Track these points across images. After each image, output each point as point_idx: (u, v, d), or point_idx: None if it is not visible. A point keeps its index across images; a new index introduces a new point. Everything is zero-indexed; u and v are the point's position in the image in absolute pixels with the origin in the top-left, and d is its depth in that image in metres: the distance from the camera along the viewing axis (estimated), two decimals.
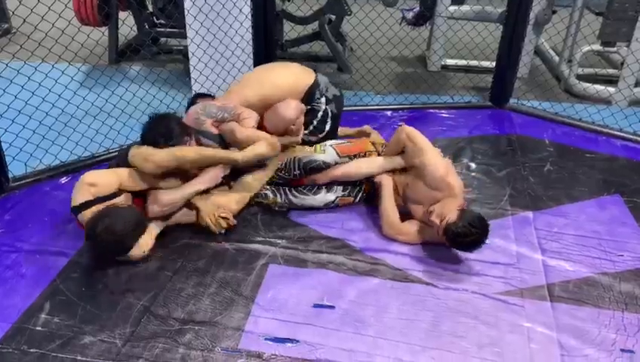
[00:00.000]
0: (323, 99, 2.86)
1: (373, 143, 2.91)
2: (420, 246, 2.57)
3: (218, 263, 2.42)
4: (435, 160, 2.60)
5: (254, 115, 2.74)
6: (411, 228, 2.61)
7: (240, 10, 3.53)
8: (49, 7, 2.93)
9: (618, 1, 4.10)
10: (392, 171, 2.78)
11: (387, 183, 2.72)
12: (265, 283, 2.32)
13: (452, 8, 4.66)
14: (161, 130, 2.54)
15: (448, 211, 2.41)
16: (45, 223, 2.68)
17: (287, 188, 2.80)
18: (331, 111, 2.89)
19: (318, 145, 2.82)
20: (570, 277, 2.42)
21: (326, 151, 2.76)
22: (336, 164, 2.76)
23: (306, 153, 2.77)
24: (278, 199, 2.78)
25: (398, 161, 2.76)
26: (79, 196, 2.36)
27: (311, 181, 2.79)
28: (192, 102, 2.89)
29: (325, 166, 2.73)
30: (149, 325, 2.09)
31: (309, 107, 2.84)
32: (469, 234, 2.35)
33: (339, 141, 2.90)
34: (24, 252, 2.48)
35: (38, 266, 2.39)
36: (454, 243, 2.42)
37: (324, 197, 2.79)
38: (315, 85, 2.84)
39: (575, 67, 4.45)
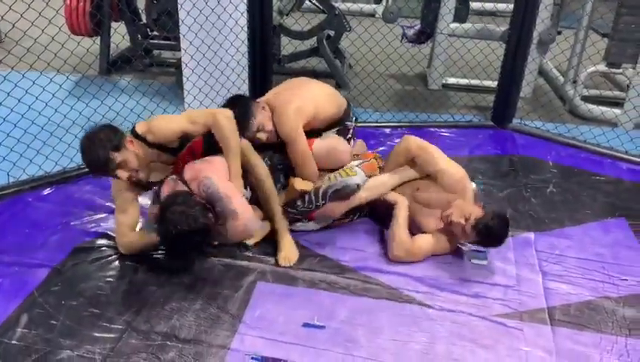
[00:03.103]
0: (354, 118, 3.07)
1: (375, 158, 2.95)
2: (416, 266, 2.58)
3: (205, 279, 2.43)
4: (450, 165, 2.76)
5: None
6: (424, 242, 2.61)
7: (236, 21, 3.60)
8: (39, 13, 2.98)
9: (624, 22, 4.20)
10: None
11: (403, 204, 2.69)
12: (253, 301, 2.33)
13: (454, 25, 4.75)
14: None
15: (469, 210, 2.51)
16: (26, 235, 2.69)
17: None
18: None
19: (346, 169, 2.73)
20: (571, 300, 2.43)
21: (357, 173, 2.70)
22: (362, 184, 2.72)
23: (336, 180, 2.66)
24: None
25: (412, 173, 2.82)
26: None
27: (329, 214, 2.72)
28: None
29: (358, 188, 2.68)
30: (130, 340, 2.09)
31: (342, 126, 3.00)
32: (500, 226, 2.48)
33: (356, 162, 2.85)
34: (2, 264, 2.48)
35: (16, 278, 2.39)
36: (486, 237, 2.50)
37: (320, 223, 2.80)
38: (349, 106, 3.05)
39: (580, 88, 4.52)
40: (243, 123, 2.63)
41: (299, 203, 2.66)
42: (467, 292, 2.45)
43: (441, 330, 2.22)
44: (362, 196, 2.73)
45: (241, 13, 3.60)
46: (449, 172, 2.71)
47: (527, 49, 3.96)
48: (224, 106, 2.75)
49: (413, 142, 2.80)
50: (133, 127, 2.55)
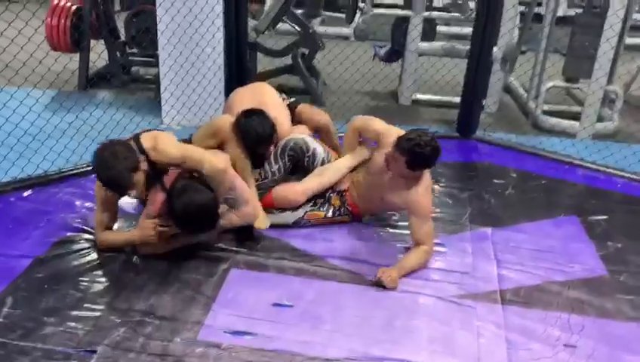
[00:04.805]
0: None
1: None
2: (379, 256, 2.83)
3: (180, 266, 2.65)
4: (388, 127, 3.00)
5: None
6: (430, 226, 2.81)
7: (213, 35, 3.91)
8: (19, 31, 3.25)
9: (578, 40, 4.62)
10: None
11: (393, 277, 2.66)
12: (226, 285, 2.56)
13: (422, 44, 5.13)
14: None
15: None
16: (9, 230, 2.89)
17: None
18: None
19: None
20: (522, 284, 2.70)
21: (302, 136, 3.09)
22: (314, 145, 3.06)
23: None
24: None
25: (365, 153, 3.09)
26: None
27: (288, 195, 3.02)
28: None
29: (304, 144, 3.01)
30: (110, 317, 2.30)
31: None
32: (418, 136, 2.64)
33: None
34: None
35: (1, 267, 2.59)
36: (412, 154, 2.62)
37: (293, 213, 3.06)
38: None
39: (541, 102, 4.91)
40: (273, 137, 3.02)
41: (257, 177, 3.02)
42: (426, 277, 2.71)
43: (400, 308, 2.47)
44: (323, 181, 3.02)
45: (218, 28, 3.90)
46: (388, 133, 2.92)
47: (487, 64, 4.33)
48: (246, 116, 2.98)
49: (357, 118, 3.19)
50: (138, 136, 2.66)
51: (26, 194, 3.26)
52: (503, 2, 4.50)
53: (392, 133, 2.92)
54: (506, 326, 2.41)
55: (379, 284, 2.58)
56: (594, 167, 4.02)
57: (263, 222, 2.95)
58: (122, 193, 2.64)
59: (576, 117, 4.87)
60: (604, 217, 3.35)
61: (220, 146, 3.01)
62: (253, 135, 2.94)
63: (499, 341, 2.32)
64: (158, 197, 2.66)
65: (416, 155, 2.64)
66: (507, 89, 5.76)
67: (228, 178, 2.75)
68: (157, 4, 3.83)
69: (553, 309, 2.53)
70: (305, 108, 3.42)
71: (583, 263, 2.89)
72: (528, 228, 3.22)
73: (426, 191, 2.84)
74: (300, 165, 3.10)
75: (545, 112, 4.96)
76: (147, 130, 2.78)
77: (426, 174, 2.85)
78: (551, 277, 2.77)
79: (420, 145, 2.62)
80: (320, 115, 3.41)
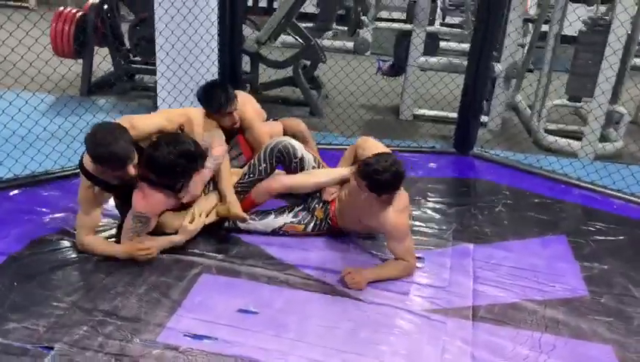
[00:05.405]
0: None
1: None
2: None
3: (152, 269, 2.70)
4: (371, 146, 2.99)
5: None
6: (409, 244, 2.82)
7: (207, 43, 4.00)
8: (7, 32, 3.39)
9: (581, 58, 4.61)
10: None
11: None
12: (195, 289, 2.59)
13: (422, 59, 5.16)
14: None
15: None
16: None
17: None
18: None
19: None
20: (497, 301, 2.69)
21: (290, 140, 3.10)
22: (303, 151, 3.06)
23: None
24: (225, 223, 3.08)
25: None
26: None
27: (265, 188, 3.07)
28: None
29: (292, 148, 3.02)
30: (73, 316, 2.35)
31: None
32: (377, 161, 2.59)
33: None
34: None
35: None
36: (370, 179, 2.59)
37: (272, 221, 3.09)
38: None
39: (543, 121, 4.89)
40: (229, 105, 3.12)
41: (245, 170, 3.07)
42: (399, 290, 2.71)
43: (367, 320, 2.48)
44: (307, 180, 3.03)
45: (212, 36, 4.00)
46: (368, 152, 2.87)
47: (485, 82, 4.33)
48: (209, 87, 3.19)
49: (361, 138, 3.17)
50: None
51: (12, 194, 3.36)
52: (506, 19, 4.53)
53: (371, 152, 2.87)
54: (473, 342, 2.39)
55: (345, 284, 2.64)
56: (591, 187, 3.99)
57: (238, 209, 2.95)
58: (123, 168, 2.56)
59: (580, 136, 4.85)
60: (595, 238, 3.32)
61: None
62: (217, 98, 3.10)
63: (464, 357, 2.31)
64: (146, 193, 2.73)
65: (374, 181, 2.62)
66: (513, 107, 5.75)
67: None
68: (154, 12, 3.94)
69: (526, 328, 2.51)
70: (284, 119, 3.58)
71: (565, 283, 2.86)
72: (514, 246, 3.20)
73: (400, 212, 2.79)
74: (288, 169, 3.12)
75: (549, 131, 4.94)
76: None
77: (401, 195, 2.81)
78: (528, 295, 2.75)
79: (378, 171, 2.59)
80: (298, 125, 3.49)
